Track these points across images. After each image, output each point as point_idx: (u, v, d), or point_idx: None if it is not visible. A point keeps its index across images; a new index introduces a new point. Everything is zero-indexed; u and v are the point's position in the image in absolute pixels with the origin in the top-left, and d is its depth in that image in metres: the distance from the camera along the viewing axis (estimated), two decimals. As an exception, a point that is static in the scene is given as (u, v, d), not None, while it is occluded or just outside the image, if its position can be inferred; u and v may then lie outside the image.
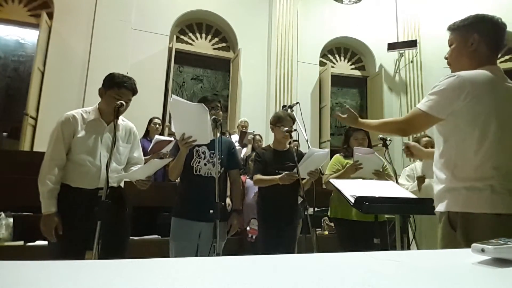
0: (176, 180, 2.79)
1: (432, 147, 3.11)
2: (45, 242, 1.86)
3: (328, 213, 2.84)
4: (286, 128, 2.44)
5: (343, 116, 1.77)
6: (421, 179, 2.79)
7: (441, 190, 1.37)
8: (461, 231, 1.28)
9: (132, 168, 2.07)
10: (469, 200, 1.27)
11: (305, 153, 2.46)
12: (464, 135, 1.31)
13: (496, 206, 1.22)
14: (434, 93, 1.36)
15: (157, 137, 3.56)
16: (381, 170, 2.56)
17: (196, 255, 2.07)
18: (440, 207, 1.36)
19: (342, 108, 1.85)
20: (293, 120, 2.60)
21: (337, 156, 2.79)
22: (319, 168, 2.62)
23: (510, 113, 1.32)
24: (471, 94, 1.28)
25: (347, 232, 2.57)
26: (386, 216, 2.66)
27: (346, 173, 2.53)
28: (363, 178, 2.45)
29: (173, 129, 2.00)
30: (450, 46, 1.49)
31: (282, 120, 2.52)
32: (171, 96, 1.95)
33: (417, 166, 3.11)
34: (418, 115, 1.39)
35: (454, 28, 1.46)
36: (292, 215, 2.48)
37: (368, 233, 2.32)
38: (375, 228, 2.14)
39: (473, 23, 1.41)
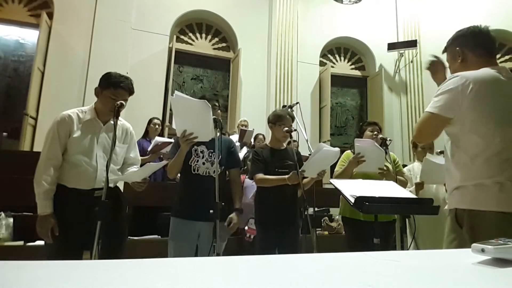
0: (177, 179, 2.79)
1: (431, 148, 3.09)
2: (44, 243, 1.85)
3: (338, 212, 2.77)
4: (287, 128, 2.42)
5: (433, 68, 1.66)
6: (419, 186, 2.73)
7: (451, 189, 1.41)
8: (467, 228, 1.30)
9: (128, 168, 2.05)
10: (476, 197, 1.29)
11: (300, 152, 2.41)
12: (471, 134, 1.33)
13: (503, 205, 1.24)
14: (439, 94, 1.38)
15: (157, 138, 3.55)
16: (385, 167, 2.47)
17: (196, 255, 2.06)
18: (449, 205, 1.40)
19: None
20: (293, 119, 2.56)
21: (347, 152, 2.68)
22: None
23: None
24: (474, 90, 1.30)
25: (354, 231, 2.53)
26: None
27: (349, 167, 2.45)
28: (368, 174, 2.42)
29: (173, 126, 1.99)
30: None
31: (283, 119, 2.47)
32: (172, 96, 1.93)
33: (415, 167, 3.06)
34: (428, 118, 1.40)
35: (445, 51, 1.57)
36: (295, 216, 2.44)
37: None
38: (381, 228, 2.09)
39: (454, 39, 1.52)
